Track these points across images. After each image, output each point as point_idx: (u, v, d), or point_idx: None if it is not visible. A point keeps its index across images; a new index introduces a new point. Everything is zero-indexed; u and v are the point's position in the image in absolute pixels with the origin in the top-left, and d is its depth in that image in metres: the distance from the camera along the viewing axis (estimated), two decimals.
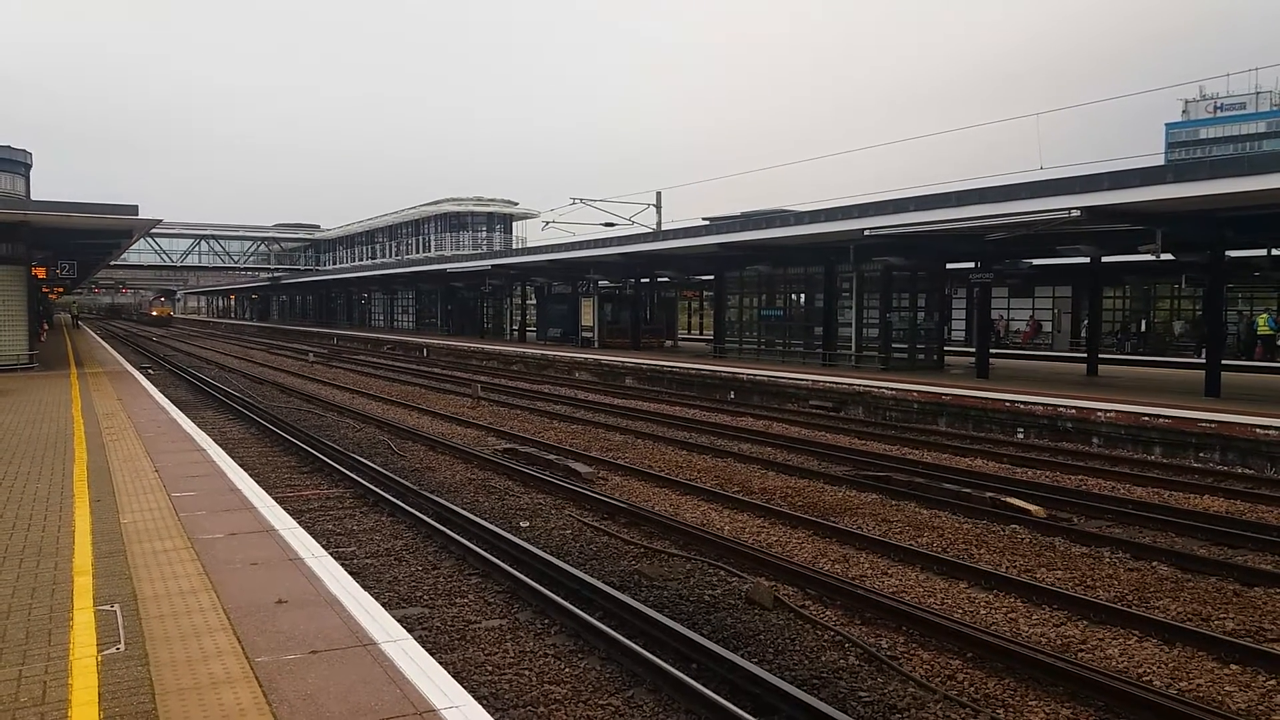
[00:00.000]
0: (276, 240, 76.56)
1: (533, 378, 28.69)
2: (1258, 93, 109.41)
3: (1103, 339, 27.75)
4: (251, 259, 75.82)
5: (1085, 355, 24.15)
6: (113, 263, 47.16)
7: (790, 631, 6.59)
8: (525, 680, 5.69)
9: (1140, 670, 5.95)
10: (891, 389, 18.60)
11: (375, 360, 36.56)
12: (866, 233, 20.20)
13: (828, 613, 6.98)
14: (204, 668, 4.35)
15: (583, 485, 11.32)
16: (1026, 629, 6.69)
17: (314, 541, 6.75)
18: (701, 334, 49.47)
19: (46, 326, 46.35)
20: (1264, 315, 28.83)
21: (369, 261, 68.76)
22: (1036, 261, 24.70)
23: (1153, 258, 17.04)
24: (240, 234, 72.87)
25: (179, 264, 71.57)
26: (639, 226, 39.73)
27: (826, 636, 6.51)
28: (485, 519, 9.43)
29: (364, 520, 9.82)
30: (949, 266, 25.27)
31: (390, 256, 66.65)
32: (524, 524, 9.72)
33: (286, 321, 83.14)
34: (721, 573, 7.95)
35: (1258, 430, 12.96)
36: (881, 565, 8.27)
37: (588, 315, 36.49)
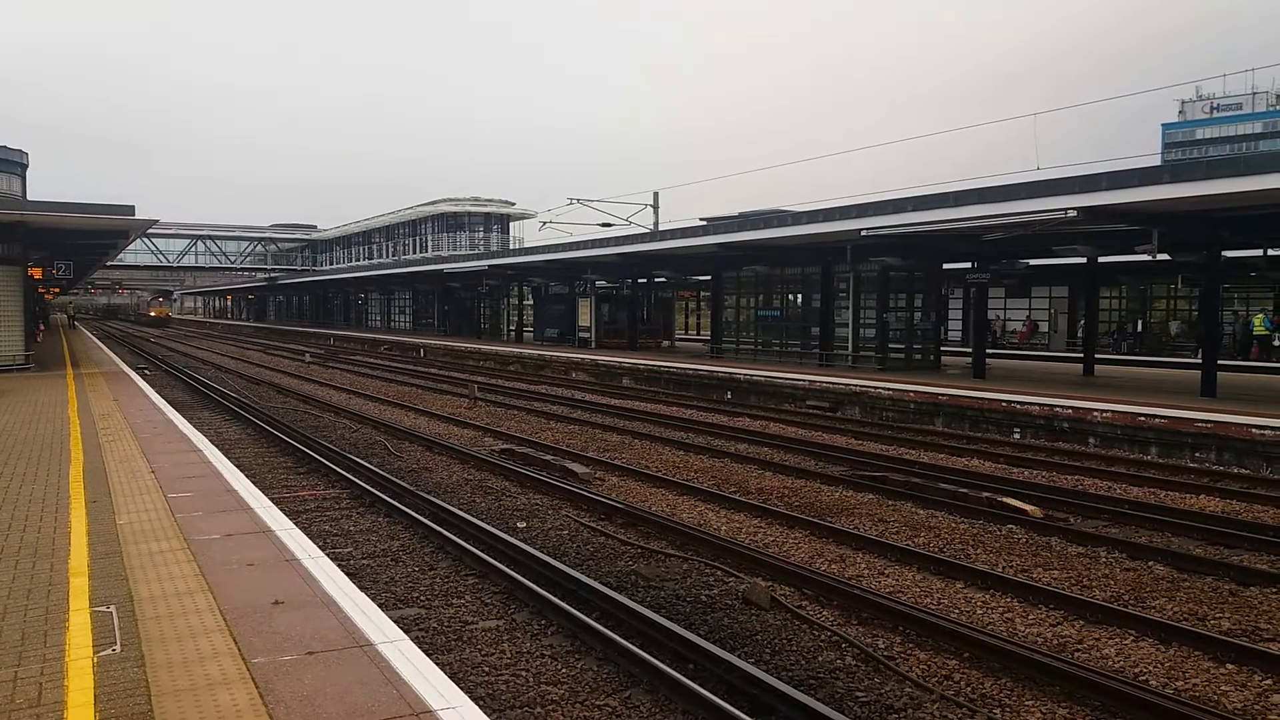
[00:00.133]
0: (273, 240, 76.51)
1: (530, 378, 28.68)
2: (1254, 93, 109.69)
3: (1099, 339, 27.78)
4: (248, 259, 75.75)
5: (1081, 355, 24.17)
6: (109, 263, 47.09)
7: (787, 631, 6.60)
8: (522, 681, 5.69)
9: (1137, 670, 5.96)
10: (888, 389, 18.62)
11: (372, 361, 36.53)
12: (863, 233, 20.22)
13: (824, 613, 6.99)
14: (200, 669, 4.35)
15: (579, 486, 11.31)
16: (1023, 629, 6.70)
17: (310, 542, 6.74)
18: (699, 334, 49.49)
19: (43, 327, 46.27)
20: (1260, 315, 28.90)
21: (366, 262, 68.70)
22: (1033, 262, 24.72)
23: (1149, 258, 17.05)
24: (237, 234, 72.82)
25: (176, 264, 71.55)
26: (636, 227, 39.76)
27: (823, 636, 6.51)
28: (482, 519, 9.42)
29: (361, 521, 9.82)
30: (946, 266, 25.27)
31: (387, 257, 66.61)
32: (521, 524, 9.72)
33: (283, 322, 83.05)
34: (718, 573, 7.95)
35: (1253, 430, 12.99)
36: (878, 565, 8.28)
37: (585, 315, 36.47)
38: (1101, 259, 23.20)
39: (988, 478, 11.95)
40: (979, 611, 7.06)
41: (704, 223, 31.10)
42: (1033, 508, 10.01)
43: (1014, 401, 16.30)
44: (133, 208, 20.29)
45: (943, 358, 25.71)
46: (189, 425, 13.23)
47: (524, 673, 5.80)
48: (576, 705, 5.37)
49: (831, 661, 6.09)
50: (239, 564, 6.10)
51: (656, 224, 40.31)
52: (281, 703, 3.99)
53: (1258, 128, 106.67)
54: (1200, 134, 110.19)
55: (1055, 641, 6.44)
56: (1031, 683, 5.69)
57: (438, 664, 4.60)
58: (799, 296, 27.66)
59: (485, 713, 4.02)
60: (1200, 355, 19.89)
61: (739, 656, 5.83)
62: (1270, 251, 19.48)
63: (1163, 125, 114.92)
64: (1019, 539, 9.20)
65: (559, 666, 5.91)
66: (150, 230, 36.65)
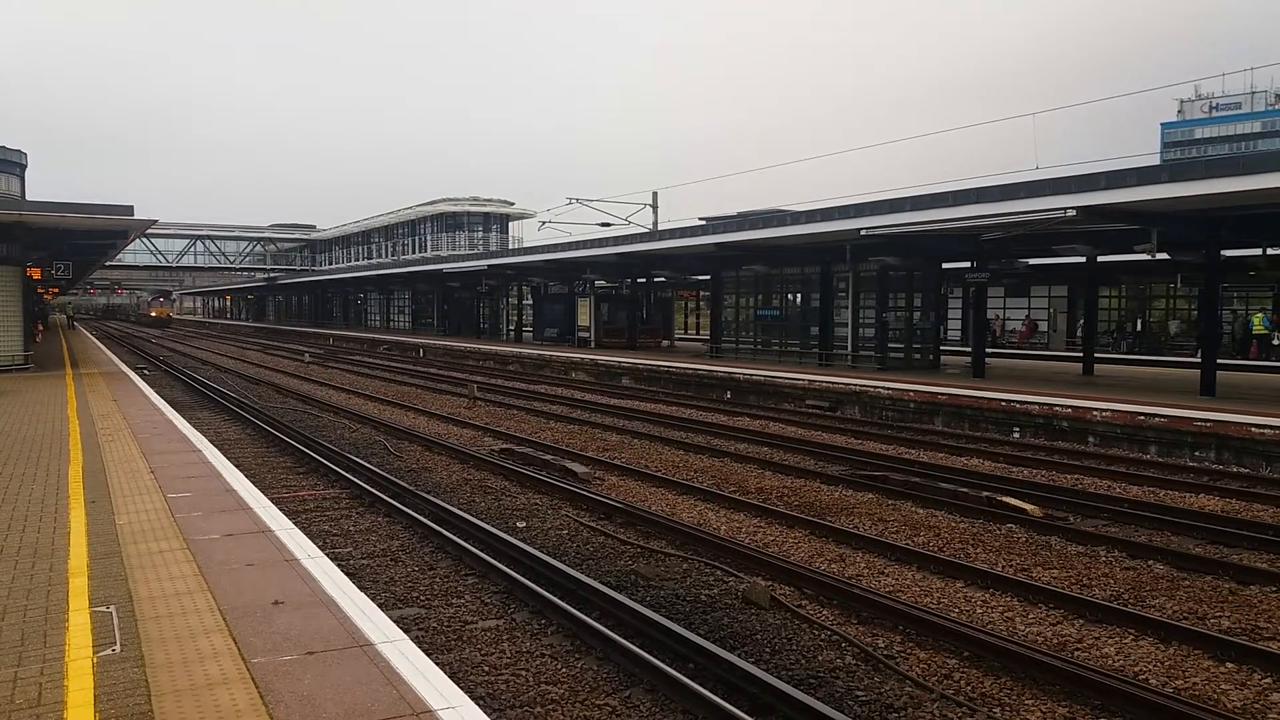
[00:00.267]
0: (272, 240, 76.51)
1: (529, 378, 28.68)
2: (1253, 92, 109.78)
3: (1098, 338, 27.79)
4: (247, 259, 75.75)
5: (1081, 354, 24.18)
6: (108, 263, 47.07)
7: (787, 631, 6.60)
8: (522, 680, 5.69)
9: (1136, 669, 5.96)
10: (888, 388, 18.62)
11: (371, 361, 36.53)
12: (863, 232, 20.23)
13: (824, 612, 6.98)
14: (200, 669, 4.35)
15: (579, 485, 11.31)
16: (1023, 628, 6.70)
17: (310, 542, 6.74)
18: (698, 334, 49.50)
19: (42, 327, 46.25)
20: (1259, 314, 28.93)
21: (365, 262, 68.71)
22: (1032, 261, 24.77)
23: (1148, 257, 17.07)
24: (236, 234, 72.80)
25: (175, 264, 71.51)
26: (635, 226, 39.74)
27: (823, 636, 6.51)
28: (482, 519, 9.42)
29: (360, 521, 9.81)
30: (945, 266, 25.29)
31: (386, 257, 66.61)
32: (520, 524, 9.72)
33: (282, 322, 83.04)
34: (718, 572, 7.95)
35: (1253, 429, 13.00)
36: (878, 564, 8.28)
37: (584, 315, 36.47)
38: (1101, 258, 23.23)
39: (987, 477, 11.95)
40: (979, 611, 7.06)
41: (703, 222, 31.10)
42: (1032, 507, 10.01)
43: (1013, 401, 16.31)
44: (131, 208, 20.29)
45: (942, 357, 25.73)
46: (188, 425, 13.23)
47: (524, 672, 5.80)
48: (576, 705, 5.36)
49: (831, 661, 6.09)
50: (239, 564, 6.09)
51: (656, 224, 40.31)
52: (281, 702, 3.99)
53: (1257, 127, 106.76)
54: (1199, 133, 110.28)
55: (1055, 640, 6.44)
56: (1031, 682, 5.69)
57: (438, 664, 4.60)
58: (798, 296, 27.66)
59: (485, 712, 4.01)
60: (1199, 354, 19.91)
61: (739, 656, 5.83)
62: (1269, 250, 19.51)
63: (1162, 124, 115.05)
64: (1019, 538, 9.21)
65: (559, 666, 5.91)
66: (149, 230, 36.62)
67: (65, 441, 11.38)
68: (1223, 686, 5.69)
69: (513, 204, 62.02)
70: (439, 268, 45.15)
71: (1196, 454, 13.59)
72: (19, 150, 53.13)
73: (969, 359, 23.20)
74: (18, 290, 23.03)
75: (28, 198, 43.17)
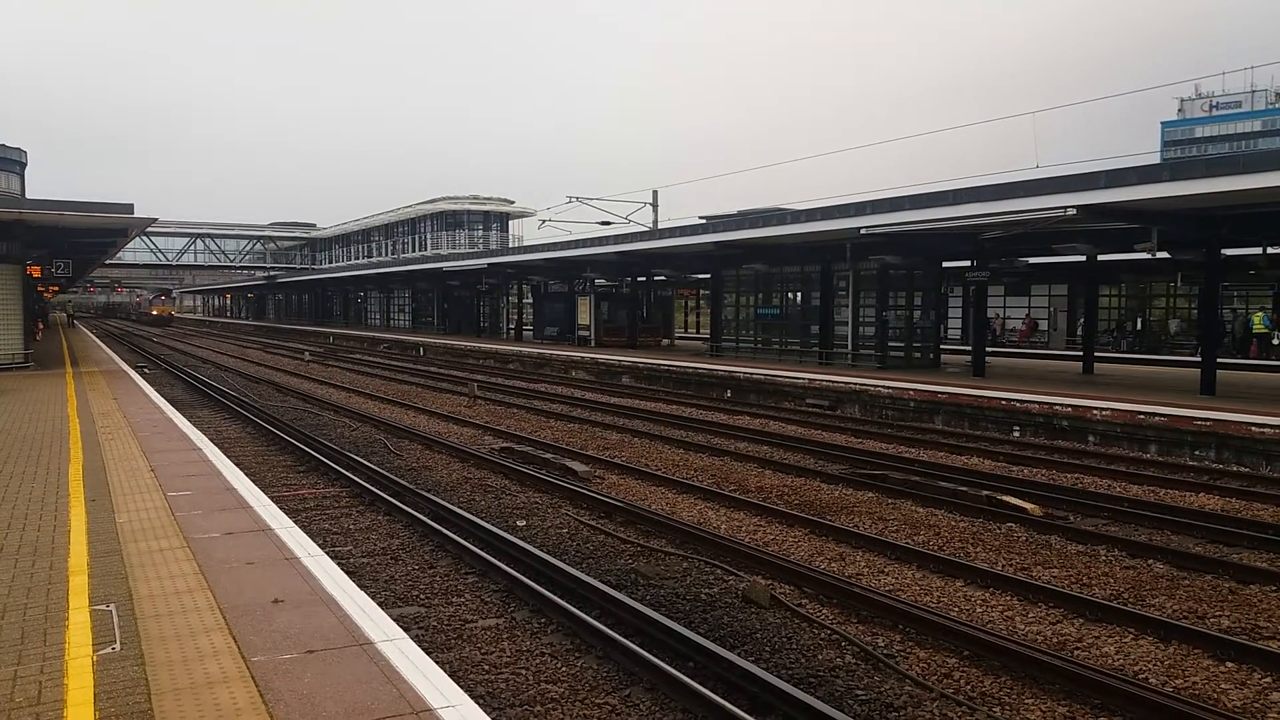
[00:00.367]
0: (272, 239, 76.53)
1: (529, 376, 28.68)
2: (1253, 91, 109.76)
3: (1098, 337, 27.79)
4: (247, 258, 75.76)
5: (1081, 353, 24.18)
6: (108, 262, 47.09)
7: (787, 630, 6.60)
8: (522, 679, 5.69)
9: (1136, 668, 5.96)
10: (888, 387, 18.62)
11: (371, 359, 36.54)
12: (863, 231, 20.22)
13: (824, 611, 6.99)
14: (200, 667, 4.35)
15: (579, 484, 11.32)
16: (1023, 627, 6.70)
17: (310, 540, 6.74)
18: (698, 333, 49.48)
19: (42, 325, 46.25)
20: (1259, 313, 28.92)
21: (365, 260, 68.71)
22: (1032, 260, 24.72)
23: (1148, 256, 17.06)
24: (236, 233, 72.79)
25: (175, 263, 71.50)
26: (635, 225, 39.75)
27: (823, 635, 6.51)
28: (482, 518, 9.42)
29: (360, 519, 9.82)
30: (945, 265, 25.28)
31: (386, 255, 66.61)
32: (521, 523, 9.72)
33: (282, 321, 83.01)
34: (718, 571, 7.95)
35: (1253, 428, 13.00)
36: (878, 563, 8.28)
37: (584, 314, 36.46)
38: (1101, 257, 23.21)
39: (988, 476, 11.95)
40: (979, 610, 7.06)
41: (703, 221, 31.10)
42: (1032, 506, 10.01)
43: (1013, 400, 16.31)
44: (131, 206, 20.29)
45: (942, 356, 25.73)
46: (188, 424, 13.23)
47: (524, 671, 5.80)
48: (576, 703, 5.37)
49: (831, 660, 6.09)
50: (239, 562, 6.10)
51: (656, 222, 40.32)
52: (281, 701, 3.99)
53: (1257, 125, 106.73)
54: (1199, 132, 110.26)
55: (1055, 640, 6.44)
56: (1031, 681, 5.70)
57: (437, 662, 4.60)
58: (798, 295, 27.64)
59: (485, 711, 4.02)
60: (1199, 353, 19.90)
61: (739, 655, 5.83)
62: (1270, 249, 19.47)
63: (1162, 123, 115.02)
64: (1019, 537, 9.21)
65: (559, 665, 5.91)
66: (149, 229, 36.66)
67: (65, 440, 11.38)
68: (1222, 686, 5.69)
69: (513, 203, 62.03)
70: (439, 266, 45.14)
71: (1196, 453, 13.59)
72: (19, 149, 53.05)
73: (969, 358, 23.20)
74: (17, 288, 23.03)
75: (28, 196, 43.17)
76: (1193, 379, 18.15)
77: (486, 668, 5.85)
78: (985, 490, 10.65)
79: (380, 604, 5.59)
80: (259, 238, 74.95)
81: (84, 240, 24.90)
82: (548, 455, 13.05)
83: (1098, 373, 22.25)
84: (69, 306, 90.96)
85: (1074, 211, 15.62)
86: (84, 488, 8.48)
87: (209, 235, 70.76)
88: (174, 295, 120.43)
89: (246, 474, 9.60)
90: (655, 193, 41.47)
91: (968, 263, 22.87)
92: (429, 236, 61.38)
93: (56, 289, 50.91)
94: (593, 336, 35.67)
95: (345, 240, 75.20)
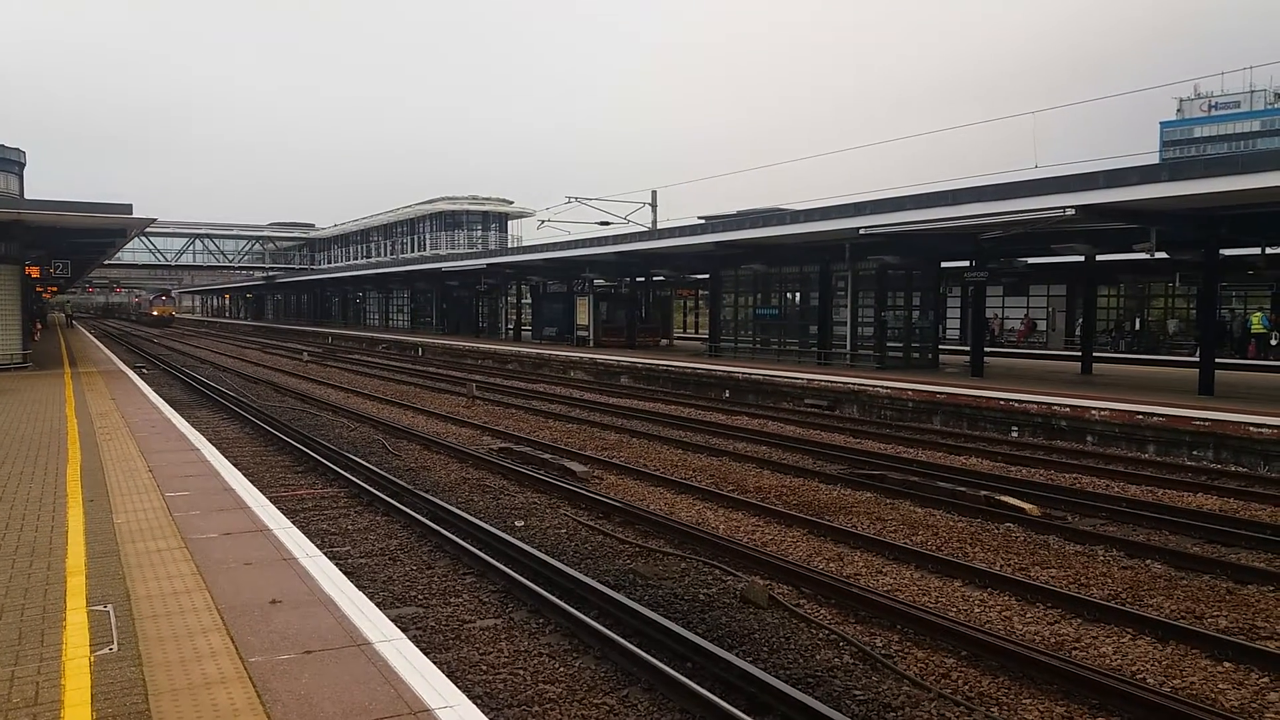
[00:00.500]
0: (271, 239, 76.50)
1: (528, 377, 28.68)
2: (1252, 91, 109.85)
3: (1097, 337, 27.80)
4: (246, 258, 75.73)
5: (1079, 354, 24.19)
6: (107, 262, 47.05)
7: (785, 630, 6.60)
8: (520, 679, 5.69)
9: (1134, 668, 5.96)
10: (886, 387, 18.63)
11: (370, 359, 36.53)
12: (862, 231, 20.23)
13: (822, 611, 6.99)
14: (197, 668, 4.34)
15: (578, 484, 11.32)
16: (1021, 627, 6.70)
17: (308, 541, 6.74)
18: (697, 333, 49.49)
19: (40, 326, 46.23)
20: (1258, 313, 28.95)
21: (364, 260, 68.71)
22: (1031, 260, 24.74)
23: (1147, 256, 17.08)
24: (235, 233, 72.77)
25: (174, 263, 71.46)
26: (634, 225, 39.75)
27: (821, 635, 6.52)
28: (480, 518, 9.42)
29: (358, 520, 9.81)
30: (944, 265, 25.29)
31: (385, 255, 66.60)
32: (519, 523, 9.72)
33: (281, 321, 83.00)
34: (716, 571, 7.95)
35: (1251, 429, 13.00)
36: (876, 564, 8.28)
37: (583, 314, 36.46)
38: (1099, 257, 23.24)
39: (986, 476, 11.96)
40: (977, 610, 7.06)
41: (702, 221, 31.10)
42: (1031, 506, 10.02)
43: (1012, 400, 16.32)
44: (130, 206, 20.28)
45: (941, 356, 25.74)
46: (187, 424, 13.23)
47: (522, 671, 5.80)
48: (574, 704, 5.37)
49: (829, 660, 6.10)
50: (237, 563, 6.09)
51: (655, 222, 40.32)
52: (279, 701, 3.99)
53: (1256, 126, 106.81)
54: (1198, 132, 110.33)
55: (1053, 640, 6.45)
56: (1029, 681, 5.70)
57: (435, 663, 4.60)
58: (797, 295, 27.66)
59: (483, 711, 4.02)
60: (1198, 353, 19.91)
61: (737, 655, 5.83)
62: (1268, 250, 19.49)
63: (1161, 123, 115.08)
64: (1017, 537, 9.21)
65: (557, 665, 5.91)
66: (148, 229, 36.62)
67: (63, 440, 11.38)
68: (1220, 686, 5.69)
69: (511, 203, 62.03)
70: (438, 266, 45.14)
71: (1194, 453, 13.60)
72: (18, 149, 53.00)
73: (967, 358, 23.21)
74: (16, 289, 23.01)
75: (26, 196, 43.15)
76: (1191, 379, 18.16)
77: (484, 668, 5.85)
78: (983, 490, 10.66)
79: (378, 604, 5.59)
80: (258, 238, 74.92)
81: (82, 240, 24.89)
82: (546, 455, 13.05)
83: (1096, 373, 22.26)
84: (67, 307, 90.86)
85: (1073, 212, 15.63)
86: (82, 488, 8.48)
87: (208, 235, 70.74)
88: (173, 295, 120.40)
89: (244, 474, 9.60)
90: (654, 193, 41.52)
91: (966, 263, 22.90)
92: (428, 237, 61.38)
93: (55, 289, 50.90)
94: (591, 337, 35.67)
95: (344, 240, 75.20)
